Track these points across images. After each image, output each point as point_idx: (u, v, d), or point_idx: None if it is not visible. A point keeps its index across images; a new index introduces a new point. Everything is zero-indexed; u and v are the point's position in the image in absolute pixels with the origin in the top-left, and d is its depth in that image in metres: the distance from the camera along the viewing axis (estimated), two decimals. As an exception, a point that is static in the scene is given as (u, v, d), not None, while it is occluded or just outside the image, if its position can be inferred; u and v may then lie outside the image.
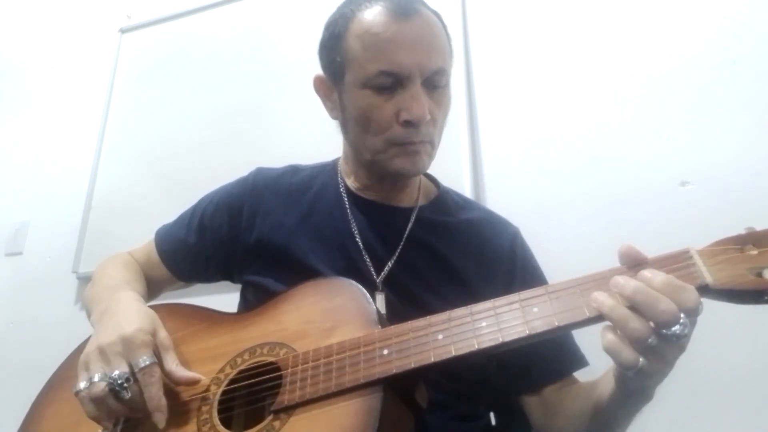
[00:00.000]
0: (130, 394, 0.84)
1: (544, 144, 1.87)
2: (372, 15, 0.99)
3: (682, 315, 0.64)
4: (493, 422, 1.13)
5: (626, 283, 0.67)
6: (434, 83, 1.00)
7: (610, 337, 0.68)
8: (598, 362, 0.85)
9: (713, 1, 1.80)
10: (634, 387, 0.75)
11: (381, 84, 0.97)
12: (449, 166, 1.82)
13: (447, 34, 1.06)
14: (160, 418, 0.85)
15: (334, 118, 1.11)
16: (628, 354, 0.67)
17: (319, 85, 1.11)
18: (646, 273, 0.68)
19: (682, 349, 0.68)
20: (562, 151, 1.84)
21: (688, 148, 1.69)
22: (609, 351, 0.68)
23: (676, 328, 0.64)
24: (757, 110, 1.66)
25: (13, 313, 2.48)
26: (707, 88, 1.73)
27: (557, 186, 1.81)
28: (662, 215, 1.63)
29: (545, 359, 1.02)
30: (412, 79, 0.97)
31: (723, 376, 1.46)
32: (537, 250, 1.17)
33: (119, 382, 0.84)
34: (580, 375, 1.04)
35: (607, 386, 0.81)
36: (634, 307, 0.66)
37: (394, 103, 0.98)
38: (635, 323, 0.65)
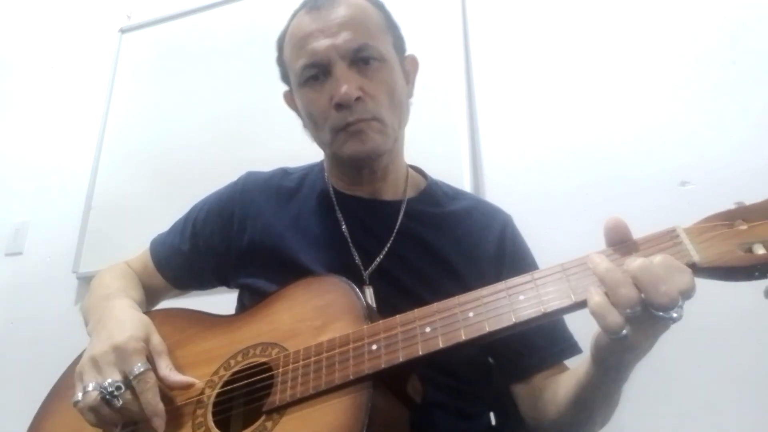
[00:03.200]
0: (121, 402, 0.85)
1: (544, 143, 1.87)
2: (296, 19, 1.07)
3: (680, 300, 0.63)
4: (493, 422, 1.13)
5: (632, 259, 0.66)
6: (363, 60, 1.02)
7: (598, 299, 0.66)
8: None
9: (713, 1, 1.80)
10: (611, 362, 0.74)
11: (309, 77, 1.02)
12: (449, 166, 1.83)
13: (379, 12, 1.09)
14: (159, 423, 0.85)
15: (304, 127, 1.14)
16: (614, 317, 0.65)
17: (289, 101, 1.17)
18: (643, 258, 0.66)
19: (666, 327, 0.67)
20: (561, 151, 1.84)
21: (688, 148, 1.69)
22: (595, 313, 0.66)
23: (673, 313, 0.63)
24: (756, 110, 1.66)
25: (14, 312, 2.48)
26: (707, 88, 1.73)
27: (557, 185, 1.81)
28: (662, 215, 1.62)
29: (536, 347, 1.01)
30: (334, 63, 1.00)
31: (723, 376, 1.46)
32: (536, 249, 1.16)
33: (110, 390, 0.84)
34: (574, 362, 1.02)
35: (584, 367, 0.80)
36: (637, 284, 0.64)
37: (326, 91, 1.01)
38: (626, 289, 0.64)
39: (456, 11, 2.07)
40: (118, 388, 0.85)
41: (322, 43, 1.00)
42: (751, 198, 1.54)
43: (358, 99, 0.99)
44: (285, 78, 1.13)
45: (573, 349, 1.03)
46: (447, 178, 1.24)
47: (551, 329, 1.03)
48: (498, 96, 1.99)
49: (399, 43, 1.12)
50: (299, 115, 1.14)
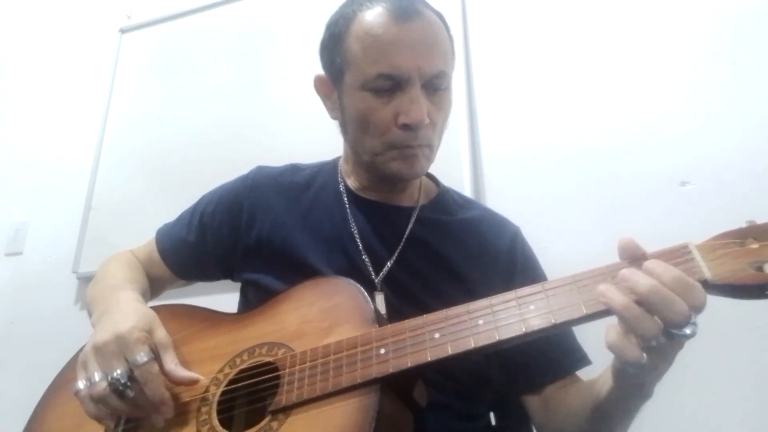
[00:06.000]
0: (134, 393, 0.84)
1: (544, 143, 1.87)
2: (372, 16, 0.98)
3: (693, 315, 0.64)
4: (493, 422, 1.13)
5: (640, 280, 0.66)
6: (434, 86, 0.99)
7: (614, 335, 0.67)
8: (600, 360, 0.84)
9: (713, 1, 1.80)
10: (633, 384, 0.74)
11: (380, 86, 0.97)
12: (449, 166, 1.82)
13: (449, 36, 1.05)
14: (166, 411, 0.86)
15: (334, 118, 1.11)
16: (632, 351, 0.66)
17: (320, 85, 1.11)
18: (655, 267, 0.67)
19: (681, 345, 0.68)
20: (562, 151, 1.84)
21: (688, 148, 1.69)
22: (613, 349, 0.67)
23: (687, 329, 0.63)
24: (757, 110, 1.66)
25: (14, 312, 2.48)
26: (707, 88, 1.73)
27: (557, 186, 1.81)
28: (662, 215, 1.64)
29: (547, 358, 1.01)
30: (412, 83, 0.96)
31: (724, 376, 1.47)
32: (537, 250, 1.16)
33: (122, 381, 0.84)
34: (583, 373, 1.03)
35: (606, 384, 0.80)
36: (645, 305, 0.65)
37: (393, 106, 0.97)
38: (648, 323, 0.64)
39: (456, 11, 2.07)
40: (130, 378, 0.84)
41: (407, 60, 0.95)
42: (752, 198, 1.55)
43: (425, 126, 0.98)
44: (330, 68, 1.06)
45: (583, 360, 1.04)
46: (447, 178, 1.24)
47: (562, 340, 1.03)
48: (498, 96, 1.98)
49: (452, 69, 1.08)
50: (326, 103, 1.11)
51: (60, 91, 2.82)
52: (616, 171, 1.75)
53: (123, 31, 2.75)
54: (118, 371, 0.85)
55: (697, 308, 0.64)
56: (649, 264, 0.67)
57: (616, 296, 0.67)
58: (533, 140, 1.89)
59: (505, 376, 1.07)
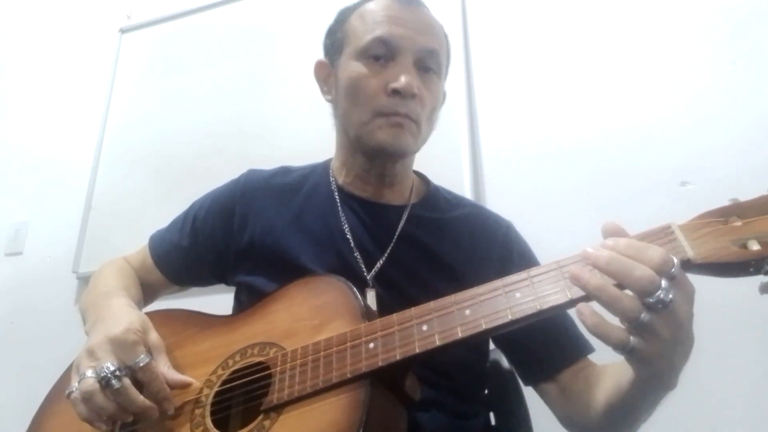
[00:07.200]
0: (118, 385, 0.84)
1: (544, 143, 1.87)
2: (377, 2, 1.08)
3: (662, 280, 0.61)
4: (493, 422, 1.13)
5: (599, 253, 0.64)
6: (426, 65, 1.05)
7: (594, 318, 0.64)
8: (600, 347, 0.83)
9: (713, 1, 1.79)
10: (650, 375, 0.71)
11: (374, 53, 1.03)
12: (449, 166, 1.83)
13: (446, 40, 1.13)
14: (168, 406, 0.87)
15: (328, 100, 1.14)
16: (618, 333, 0.64)
17: (319, 69, 1.16)
18: (609, 241, 0.66)
19: (680, 326, 0.64)
20: (562, 151, 1.84)
21: (688, 148, 1.69)
22: (596, 333, 0.64)
23: (660, 293, 0.61)
24: (757, 110, 1.65)
25: (14, 312, 2.49)
26: (707, 88, 1.73)
27: (557, 185, 1.81)
28: (662, 215, 1.61)
29: (558, 343, 1.01)
30: (404, 53, 1.02)
31: (723, 374, 1.46)
32: (536, 249, 1.16)
33: (111, 368, 0.84)
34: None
35: (626, 375, 0.78)
36: (611, 277, 0.63)
37: (384, 75, 1.02)
38: (626, 302, 0.62)
39: (456, 11, 2.07)
40: (120, 369, 0.85)
41: (403, 31, 1.03)
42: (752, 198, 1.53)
43: (413, 96, 1.01)
44: (331, 48, 1.13)
45: (587, 346, 1.02)
46: (447, 177, 1.25)
47: (567, 327, 1.03)
48: (498, 96, 1.99)
49: (446, 75, 1.15)
50: (323, 87, 1.15)
51: (60, 91, 2.83)
52: (616, 170, 1.75)
53: (123, 31, 2.76)
54: (107, 364, 0.85)
55: (660, 268, 0.62)
56: (607, 240, 0.66)
57: (589, 278, 0.65)
58: (533, 139, 1.89)
59: (519, 366, 1.07)
